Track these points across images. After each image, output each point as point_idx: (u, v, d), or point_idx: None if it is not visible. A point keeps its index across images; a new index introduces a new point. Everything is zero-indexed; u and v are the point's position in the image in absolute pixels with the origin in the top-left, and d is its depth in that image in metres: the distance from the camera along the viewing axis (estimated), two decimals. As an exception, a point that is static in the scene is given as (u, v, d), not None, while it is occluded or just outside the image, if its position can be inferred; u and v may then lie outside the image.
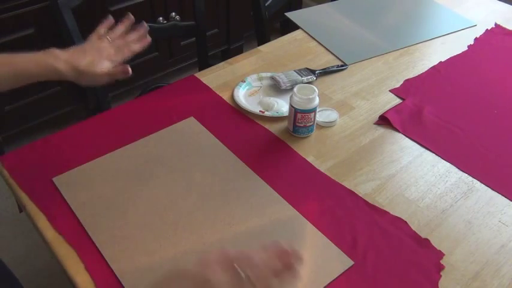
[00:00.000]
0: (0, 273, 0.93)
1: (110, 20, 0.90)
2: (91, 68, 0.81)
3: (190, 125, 1.09)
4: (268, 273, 0.58)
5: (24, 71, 0.79)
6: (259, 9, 1.51)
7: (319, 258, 0.82)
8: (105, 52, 0.85)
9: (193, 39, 1.51)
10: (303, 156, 1.02)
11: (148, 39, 0.91)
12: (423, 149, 1.05)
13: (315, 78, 1.23)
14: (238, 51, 2.48)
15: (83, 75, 0.81)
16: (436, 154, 1.04)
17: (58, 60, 0.80)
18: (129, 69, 0.85)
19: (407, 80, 1.25)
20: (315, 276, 0.79)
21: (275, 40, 1.41)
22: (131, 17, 0.91)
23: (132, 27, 0.91)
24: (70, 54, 0.82)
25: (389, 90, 1.22)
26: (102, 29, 0.89)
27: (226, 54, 2.45)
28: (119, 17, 0.91)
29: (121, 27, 0.90)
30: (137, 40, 0.90)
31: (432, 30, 1.46)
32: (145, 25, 0.91)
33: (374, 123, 1.11)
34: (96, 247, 0.82)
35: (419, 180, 0.98)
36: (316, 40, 1.40)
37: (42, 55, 0.80)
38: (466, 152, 1.04)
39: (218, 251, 0.59)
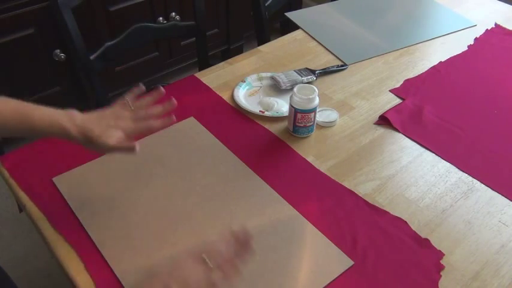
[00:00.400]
0: None
1: (141, 87, 0.85)
2: (101, 139, 0.78)
3: (190, 125, 1.09)
4: (231, 256, 0.66)
5: (38, 128, 0.77)
6: (259, 9, 1.51)
7: (319, 258, 0.82)
8: (123, 123, 0.81)
9: (193, 39, 1.51)
10: (303, 156, 1.02)
11: (173, 119, 0.84)
12: (423, 149, 1.05)
13: (315, 78, 1.23)
14: (238, 51, 2.48)
15: (93, 143, 0.79)
16: (436, 154, 1.04)
17: (72, 125, 0.78)
18: (137, 147, 0.80)
19: (407, 80, 1.25)
20: (315, 276, 0.79)
21: (275, 40, 1.41)
22: (161, 89, 0.86)
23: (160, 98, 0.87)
24: (86, 120, 0.79)
25: (389, 90, 1.22)
26: (129, 95, 0.85)
27: (226, 54, 2.45)
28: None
29: (148, 99, 0.85)
30: (160, 114, 0.84)
31: (432, 30, 1.46)
32: (174, 101, 0.85)
33: (374, 123, 1.11)
34: (96, 247, 0.82)
35: (419, 180, 0.98)
36: (316, 40, 1.40)
37: (58, 116, 0.78)
38: (466, 152, 1.04)
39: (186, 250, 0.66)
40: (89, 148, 0.80)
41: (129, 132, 0.81)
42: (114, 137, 0.79)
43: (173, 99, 0.85)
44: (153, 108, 0.84)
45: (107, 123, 0.80)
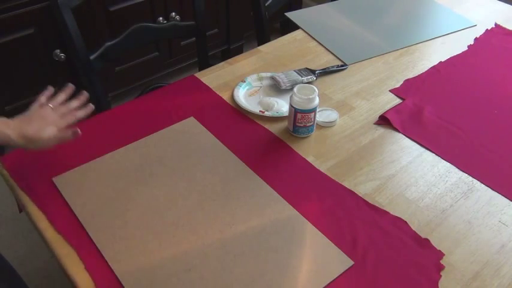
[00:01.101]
0: (3, 270, 0.93)
1: (50, 89, 0.97)
2: (38, 134, 0.86)
3: (190, 125, 1.09)
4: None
5: None
6: (259, 9, 1.51)
7: (319, 258, 0.82)
8: (50, 118, 0.89)
9: (193, 39, 1.51)
10: (303, 156, 1.02)
11: (91, 107, 0.97)
12: (423, 149, 1.05)
13: (315, 78, 1.23)
14: (238, 51, 2.48)
15: (32, 141, 0.86)
16: (436, 154, 1.04)
17: (8, 128, 0.84)
18: (79, 131, 0.92)
19: (407, 80, 1.25)
20: (315, 276, 0.79)
21: (275, 40, 1.41)
22: (71, 85, 0.98)
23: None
24: (18, 122, 0.87)
25: (390, 90, 1.22)
26: (43, 97, 0.94)
27: (226, 54, 2.45)
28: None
29: (62, 96, 0.96)
30: (80, 107, 0.96)
31: (432, 30, 1.46)
32: (85, 93, 0.98)
33: (374, 123, 1.11)
34: (96, 247, 0.82)
35: (419, 180, 0.98)
36: (316, 40, 1.40)
37: None
38: (466, 152, 1.04)
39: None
40: (31, 147, 0.87)
41: (59, 126, 0.89)
42: (49, 130, 0.87)
43: (84, 91, 0.98)
44: (70, 103, 0.96)
45: (37, 122, 0.88)
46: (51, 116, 0.90)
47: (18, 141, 0.85)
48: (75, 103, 0.96)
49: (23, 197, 0.91)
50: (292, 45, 1.38)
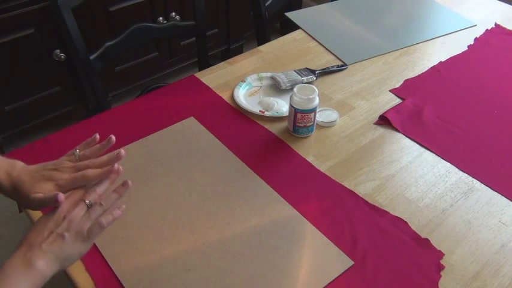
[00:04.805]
0: None
1: (96, 137, 0.77)
2: (28, 197, 0.68)
3: (190, 125, 1.09)
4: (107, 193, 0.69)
5: None
6: (259, 9, 1.50)
7: (319, 258, 0.82)
8: (58, 174, 0.70)
9: (193, 39, 1.51)
10: (303, 156, 1.02)
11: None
12: (423, 149, 1.05)
13: (315, 78, 1.23)
14: (238, 51, 2.48)
15: (20, 197, 0.70)
16: (436, 154, 1.04)
17: (7, 175, 0.71)
18: (61, 196, 0.66)
19: (407, 80, 1.25)
20: (315, 276, 0.79)
21: (275, 40, 1.41)
22: (112, 139, 0.76)
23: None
24: (23, 171, 0.72)
25: (389, 90, 1.22)
26: (80, 145, 0.77)
27: (226, 54, 2.45)
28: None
29: (96, 147, 0.76)
30: (101, 165, 0.72)
31: (432, 30, 1.46)
32: (122, 151, 0.73)
33: (374, 123, 1.11)
34: (96, 247, 0.82)
35: (419, 180, 0.98)
36: (316, 40, 1.40)
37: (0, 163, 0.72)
38: (466, 152, 1.04)
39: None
40: (17, 201, 0.72)
41: (62, 184, 0.69)
42: (41, 193, 0.68)
43: (122, 150, 0.73)
44: (96, 158, 0.73)
45: (42, 174, 0.70)
46: (63, 171, 0.71)
47: (7, 189, 0.70)
48: (100, 160, 0.72)
49: (23, 197, 0.91)
50: (292, 45, 1.38)
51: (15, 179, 0.70)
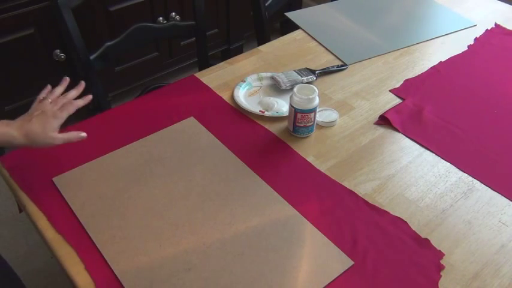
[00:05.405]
0: (3, 272, 0.93)
1: (48, 87, 0.97)
2: (43, 131, 0.86)
3: (190, 125, 1.09)
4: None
5: None
6: (259, 9, 1.50)
7: (319, 258, 0.82)
8: (50, 111, 0.89)
9: (193, 39, 1.51)
10: (303, 156, 1.02)
11: (90, 96, 0.97)
12: (423, 149, 1.05)
13: (315, 78, 1.23)
14: (238, 51, 2.48)
15: (36, 138, 0.86)
16: (436, 154, 1.04)
17: (11, 127, 0.85)
18: (84, 134, 0.93)
19: (407, 80, 1.25)
20: (315, 276, 0.79)
21: (275, 40, 1.41)
22: (67, 78, 0.98)
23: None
24: (20, 121, 0.87)
25: (389, 90, 1.22)
26: (41, 94, 0.95)
27: (226, 54, 2.45)
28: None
29: (59, 89, 0.96)
30: (78, 96, 0.96)
31: (432, 30, 1.46)
32: (83, 83, 0.99)
33: (374, 123, 1.11)
34: (96, 247, 0.82)
35: (419, 180, 0.98)
36: (316, 40, 1.40)
37: None
38: (466, 152, 1.04)
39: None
40: (36, 145, 0.87)
41: (60, 117, 0.89)
42: (54, 124, 0.88)
43: (81, 81, 0.99)
44: (68, 94, 0.95)
45: (38, 118, 0.87)
46: (51, 109, 0.90)
47: (22, 140, 0.85)
48: (73, 93, 0.96)
49: (23, 197, 0.91)
50: (292, 45, 1.38)
51: (21, 129, 0.85)
